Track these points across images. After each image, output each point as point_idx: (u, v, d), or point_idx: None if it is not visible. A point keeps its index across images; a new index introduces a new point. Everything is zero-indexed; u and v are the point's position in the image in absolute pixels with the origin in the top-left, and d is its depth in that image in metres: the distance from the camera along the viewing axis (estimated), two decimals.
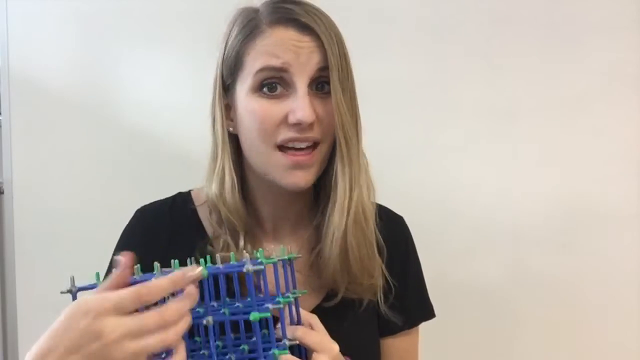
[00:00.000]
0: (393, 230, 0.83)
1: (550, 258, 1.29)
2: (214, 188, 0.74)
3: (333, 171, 0.71)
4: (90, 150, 1.34)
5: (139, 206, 0.82)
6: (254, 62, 0.68)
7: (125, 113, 1.34)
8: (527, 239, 1.30)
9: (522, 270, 1.30)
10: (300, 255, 0.73)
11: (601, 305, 1.29)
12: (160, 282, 0.51)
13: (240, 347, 0.63)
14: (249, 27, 0.69)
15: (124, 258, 0.55)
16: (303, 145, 0.69)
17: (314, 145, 0.70)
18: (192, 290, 0.52)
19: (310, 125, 0.68)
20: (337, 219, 0.71)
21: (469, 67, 1.30)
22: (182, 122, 1.32)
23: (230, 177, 0.73)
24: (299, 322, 0.66)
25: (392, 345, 0.83)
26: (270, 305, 0.57)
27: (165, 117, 1.34)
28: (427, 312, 0.86)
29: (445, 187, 1.31)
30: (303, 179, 0.69)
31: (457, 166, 1.30)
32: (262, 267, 0.56)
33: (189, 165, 1.29)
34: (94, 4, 1.34)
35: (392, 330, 0.82)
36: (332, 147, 0.72)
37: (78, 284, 0.59)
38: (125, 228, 0.80)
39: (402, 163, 1.29)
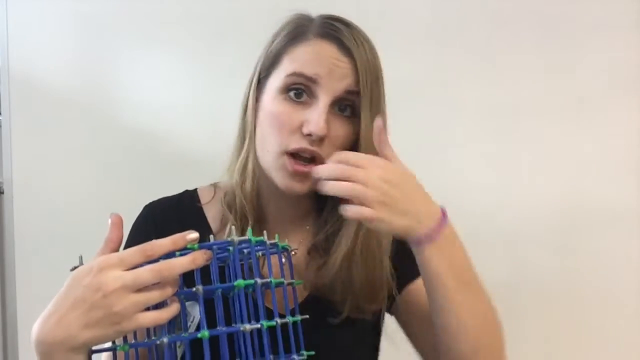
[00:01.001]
0: None
1: (551, 257, 1.29)
2: (236, 174, 0.76)
3: None
4: (90, 150, 1.34)
5: (138, 206, 0.83)
6: (290, 65, 0.71)
7: (125, 113, 1.34)
8: (528, 238, 1.30)
9: (522, 270, 1.30)
10: (297, 248, 0.75)
11: (601, 305, 1.29)
12: (162, 241, 0.55)
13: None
14: (297, 31, 0.72)
15: (114, 218, 0.59)
16: (306, 155, 0.70)
17: (313, 160, 0.70)
18: (197, 254, 0.55)
19: (321, 140, 0.69)
20: (343, 245, 0.73)
21: (470, 67, 1.30)
22: (182, 122, 1.33)
23: (252, 166, 0.75)
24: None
25: (416, 289, 0.79)
26: (258, 280, 0.58)
27: (165, 117, 1.34)
28: None
29: (445, 186, 1.29)
30: (298, 187, 0.71)
31: (458, 165, 1.30)
32: (245, 237, 0.58)
33: (189, 165, 1.30)
34: (94, 4, 1.34)
35: (410, 276, 0.79)
36: None
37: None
38: (135, 222, 0.82)
39: (402, 162, 1.29)
